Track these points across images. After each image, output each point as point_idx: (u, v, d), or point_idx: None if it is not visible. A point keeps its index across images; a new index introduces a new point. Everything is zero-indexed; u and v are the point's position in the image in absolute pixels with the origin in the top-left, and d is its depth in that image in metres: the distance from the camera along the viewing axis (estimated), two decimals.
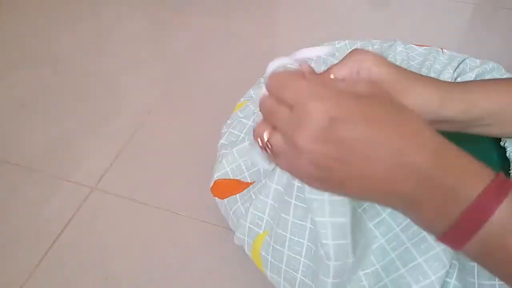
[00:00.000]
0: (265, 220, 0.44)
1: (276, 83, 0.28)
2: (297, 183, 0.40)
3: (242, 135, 0.54)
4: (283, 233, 0.42)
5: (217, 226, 0.62)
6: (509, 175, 0.46)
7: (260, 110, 0.29)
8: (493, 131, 0.37)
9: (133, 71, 0.92)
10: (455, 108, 0.34)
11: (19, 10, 1.12)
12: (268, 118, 0.28)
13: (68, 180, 0.70)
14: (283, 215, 0.42)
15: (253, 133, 0.29)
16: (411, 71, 0.34)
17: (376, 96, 0.26)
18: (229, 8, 1.12)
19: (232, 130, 0.55)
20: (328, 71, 0.33)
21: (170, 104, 0.84)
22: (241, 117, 0.56)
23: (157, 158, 0.73)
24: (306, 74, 0.29)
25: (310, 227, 0.41)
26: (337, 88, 0.26)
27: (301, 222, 0.41)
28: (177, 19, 1.08)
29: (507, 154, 0.49)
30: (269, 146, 0.28)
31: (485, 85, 0.36)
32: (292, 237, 0.42)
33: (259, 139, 0.29)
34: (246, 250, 0.46)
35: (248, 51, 0.97)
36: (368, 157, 0.25)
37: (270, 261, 0.43)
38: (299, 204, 0.41)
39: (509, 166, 0.47)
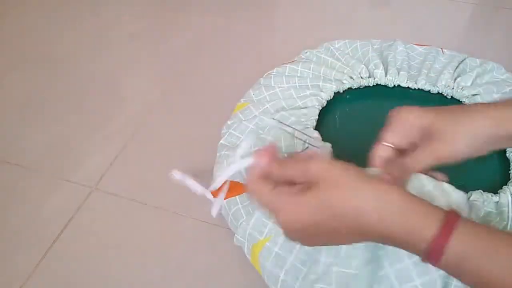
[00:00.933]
0: (268, 227, 0.44)
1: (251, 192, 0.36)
2: None
3: (242, 137, 0.54)
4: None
5: (217, 226, 0.62)
6: (510, 175, 0.46)
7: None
8: None
9: (133, 71, 0.92)
10: (507, 126, 0.35)
11: (19, 10, 1.12)
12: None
13: (68, 180, 0.70)
14: None
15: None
16: (450, 108, 0.36)
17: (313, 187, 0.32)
18: (229, 8, 1.12)
19: (232, 131, 0.55)
20: (381, 141, 0.38)
21: (170, 104, 0.84)
22: (243, 119, 0.56)
23: (157, 158, 0.73)
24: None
25: None
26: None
27: None
28: (177, 19, 1.08)
29: (507, 155, 0.49)
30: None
31: None
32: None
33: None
34: (245, 253, 0.46)
35: (248, 51, 0.97)
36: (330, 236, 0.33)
37: (268, 268, 0.43)
38: None
39: (509, 167, 0.47)
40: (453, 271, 0.30)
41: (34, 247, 0.61)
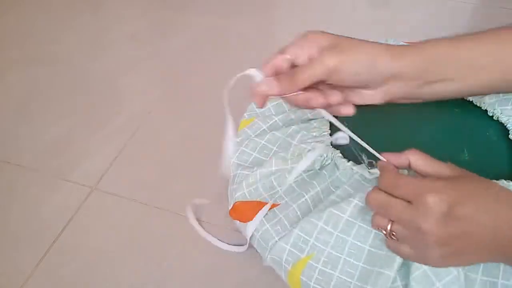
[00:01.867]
0: (310, 243, 0.43)
1: (389, 183, 0.34)
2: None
3: (255, 153, 0.53)
4: (338, 254, 0.41)
5: (218, 226, 0.62)
6: None
7: (367, 204, 0.35)
8: (452, 87, 0.36)
9: (133, 71, 0.92)
10: (407, 60, 0.35)
11: (19, 10, 1.12)
12: (383, 211, 0.34)
13: (68, 180, 0.70)
14: (341, 235, 0.41)
15: (372, 224, 0.36)
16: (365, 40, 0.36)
17: (465, 175, 0.33)
18: (229, 8, 1.12)
19: (244, 149, 0.53)
20: (283, 51, 0.36)
21: (170, 104, 0.84)
22: (252, 136, 0.54)
23: (157, 158, 0.73)
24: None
25: (369, 249, 0.40)
26: (439, 179, 0.32)
27: (361, 244, 0.41)
28: (177, 19, 1.08)
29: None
30: (393, 234, 0.34)
31: (441, 39, 0.37)
32: (348, 258, 0.41)
33: (382, 230, 0.35)
34: (282, 275, 0.44)
35: (248, 51, 0.97)
36: (478, 223, 0.31)
37: (313, 286, 0.41)
38: (363, 225, 0.41)
39: None
40: None
41: (34, 247, 0.61)
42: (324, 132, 0.51)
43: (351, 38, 0.36)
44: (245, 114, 0.59)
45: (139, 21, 1.08)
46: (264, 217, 0.46)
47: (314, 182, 0.47)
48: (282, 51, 0.37)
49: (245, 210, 0.48)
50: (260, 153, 0.52)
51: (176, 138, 0.77)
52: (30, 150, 0.75)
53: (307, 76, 0.34)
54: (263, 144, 0.53)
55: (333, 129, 0.51)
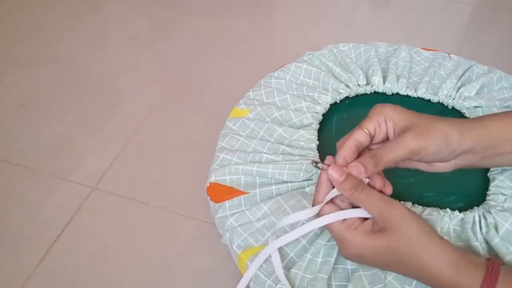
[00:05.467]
0: (266, 236, 0.44)
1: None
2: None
3: (242, 139, 0.54)
4: (288, 251, 0.43)
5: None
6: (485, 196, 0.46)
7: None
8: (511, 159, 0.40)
9: (133, 71, 0.92)
10: (472, 136, 0.38)
11: (19, 10, 1.12)
12: None
13: (69, 180, 0.70)
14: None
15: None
16: (429, 115, 0.39)
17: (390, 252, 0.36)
18: (229, 8, 1.12)
19: (235, 136, 0.55)
20: (361, 126, 0.39)
21: (170, 104, 0.84)
22: (242, 134, 0.56)
23: (157, 158, 0.73)
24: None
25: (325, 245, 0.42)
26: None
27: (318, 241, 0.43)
28: (177, 19, 1.08)
29: (488, 174, 0.49)
30: None
31: (498, 115, 0.40)
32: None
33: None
34: (233, 257, 0.46)
35: (248, 51, 0.97)
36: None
37: (256, 273, 0.43)
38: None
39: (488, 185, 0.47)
40: None
41: (35, 247, 0.61)
42: (312, 142, 0.52)
43: (422, 115, 0.38)
44: (240, 102, 0.60)
45: (139, 21, 1.08)
46: (228, 204, 0.48)
47: (295, 193, 0.48)
48: (360, 126, 0.39)
49: (218, 192, 0.50)
50: (246, 138, 0.54)
51: (176, 138, 0.77)
52: (30, 150, 0.75)
53: (392, 159, 0.37)
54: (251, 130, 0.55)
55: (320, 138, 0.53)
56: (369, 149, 0.40)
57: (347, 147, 0.38)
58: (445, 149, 0.37)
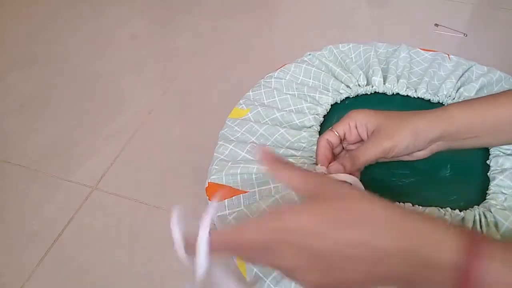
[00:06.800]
0: None
1: None
2: None
3: (239, 135, 0.55)
4: None
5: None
6: (486, 195, 0.46)
7: None
8: (481, 141, 0.43)
9: (133, 71, 0.93)
10: (441, 127, 0.41)
11: (19, 10, 1.12)
12: None
13: (69, 180, 0.70)
14: None
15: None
16: (399, 112, 0.43)
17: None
18: (230, 9, 1.12)
19: (236, 128, 0.56)
20: (332, 128, 0.44)
21: (170, 104, 0.84)
22: (243, 132, 0.56)
23: (157, 158, 0.73)
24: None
25: None
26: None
27: None
28: (178, 19, 1.08)
29: (488, 173, 0.49)
30: None
31: (464, 103, 0.43)
32: None
33: None
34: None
35: (248, 52, 0.97)
36: (347, 258, 0.28)
37: (255, 272, 0.43)
38: None
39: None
40: None
41: (35, 247, 0.61)
42: (312, 144, 0.52)
43: (393, 115, 0.42)
44: (240, 101, 0.60)
45: (139, 21, 1.08)
46: (228, 203, 0.48)
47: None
48: (332, 128, 0.44)
49: (216, 191, 0.50)
50: (248, 131, 0.54)
51: (176, 138, 0.77)
52: (30, 150, 0.75)
53: (368, 158, 0.41)
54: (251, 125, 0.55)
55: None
56: (345, 148, 0.46)
57: (319, 145, 0.44)
58: (414, 142, 0.41)
